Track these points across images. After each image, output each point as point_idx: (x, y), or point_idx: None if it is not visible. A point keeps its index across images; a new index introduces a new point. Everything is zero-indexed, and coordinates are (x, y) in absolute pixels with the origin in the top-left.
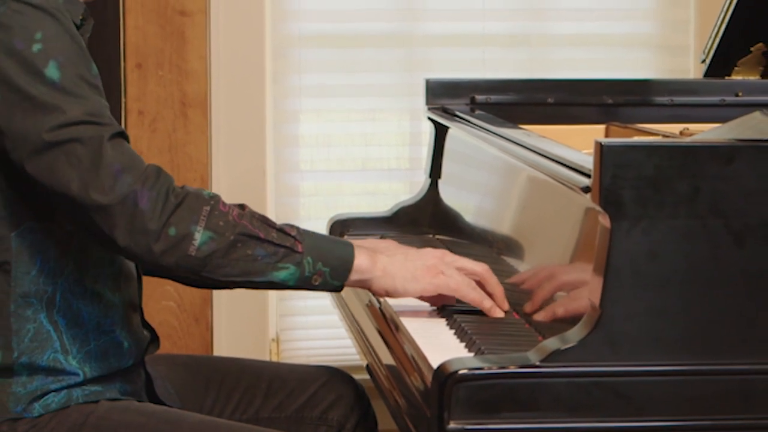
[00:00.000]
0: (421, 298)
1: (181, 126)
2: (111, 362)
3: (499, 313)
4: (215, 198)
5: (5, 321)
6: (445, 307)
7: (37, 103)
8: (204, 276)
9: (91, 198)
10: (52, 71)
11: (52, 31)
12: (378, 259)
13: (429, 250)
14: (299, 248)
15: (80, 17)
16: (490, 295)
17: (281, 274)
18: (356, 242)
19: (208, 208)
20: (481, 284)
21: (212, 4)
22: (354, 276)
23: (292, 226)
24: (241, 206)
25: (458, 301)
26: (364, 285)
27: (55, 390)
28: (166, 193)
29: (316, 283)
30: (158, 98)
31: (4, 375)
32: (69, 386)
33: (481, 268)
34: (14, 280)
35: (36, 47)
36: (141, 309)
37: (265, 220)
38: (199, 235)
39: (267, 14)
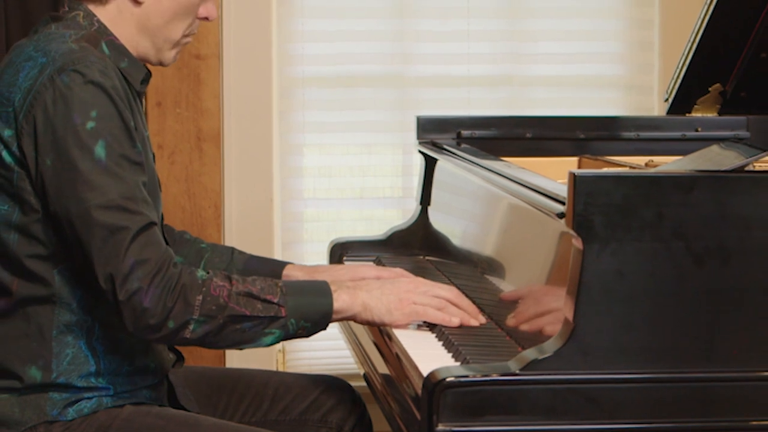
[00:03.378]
0: (398, 327)
1: (196, 158)
2: (137, 381)
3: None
4: (206, 283)
5: (47, 345)
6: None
7: (83, 177)
8: (203, 346)
9: (107, 285)
10: (99, 150)
11: (105, 111)
12: (357, 296)
13: (404, 282)
14: (282, 313)
15: (141, 79)
16: (461, 318)
17: (268, 339)
18: (338, 283)
19: (200, 297)
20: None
21: (225, 48)
22: (335, 317)
23: (275, 288)
24: (230, 281)
25: None
26: (347, 320)
27: (88, 398)
28: (168, 290)
29: (301, 335)
30: (176, 133)
31: (41, 390)
32: (100, 396)
33: (450, 293)
34: (58, 310)
35: (90, 125)
36: None
37: (250, 294)
38: (193, 323)
39: (274, 58)
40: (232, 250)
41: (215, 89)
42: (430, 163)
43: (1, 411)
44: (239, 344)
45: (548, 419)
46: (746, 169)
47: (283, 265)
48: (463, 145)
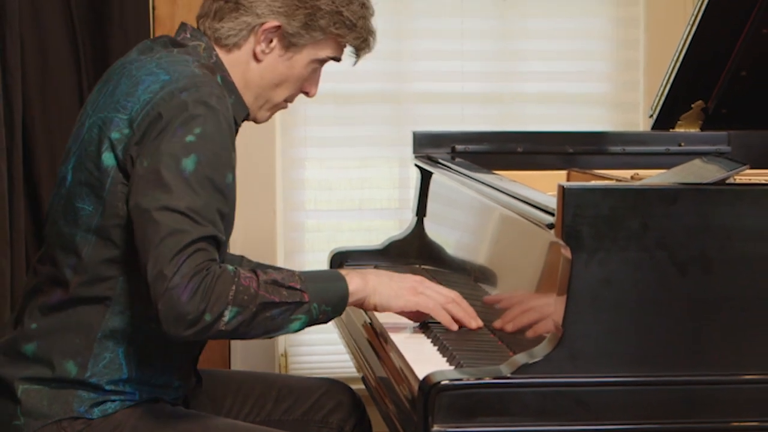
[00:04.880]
0: (402, 313)
1: None
2: (162, 393)
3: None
4: (237, 274)
5: (90, 344)
6: (427, 323)
7: (163, 181)
8: (235, 338)
9: (153, 282)
10: (189, 163)
11: (209, 132)
12: (369, 280)
13: (410, 275)
14: (306, 298)
15: (242, 118)
16: (461, 317)
17: (295, 325)
18: (346, 269)
19: (233, 288)
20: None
21: None
22: (351, 299)
23: (294, 276)
24: (255, 272)
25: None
26: (359, 304)
27: (113, 400)
28: (205, 286)
29: (323, 320)
30: None
31: (73, 386)
32: (124, 399)
33: (453, 294)
34: (109, 314)
35: (189, 138)
36: (198, 359)
37: (276, 282)
38: (228, 313)
39: None
40: (242, 258)
41: None
42: (425, 176)
43: (30, 402)
44: (269, 332)
45: (538, 421)
46: (727, 182)
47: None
48: (457, 159)
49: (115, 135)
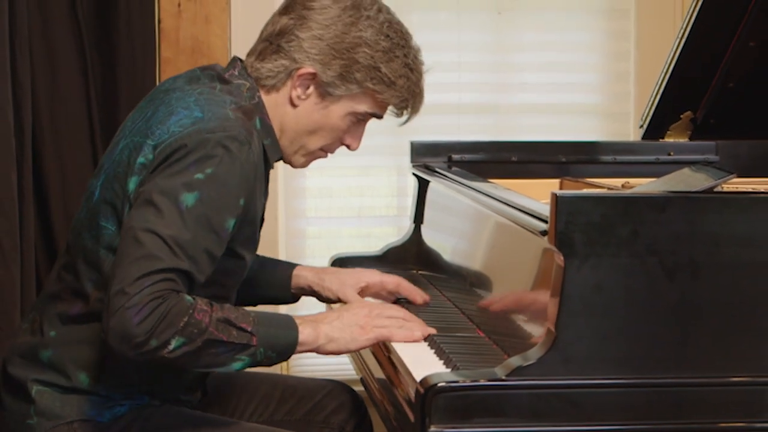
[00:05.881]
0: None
1: None
2: (171, 400)
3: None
4: (193, 306)
5: (103, 358)
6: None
7: (158, 207)
8: (176, 365)
9: (113, 297)
10: (189, 198)
11: (220, 175)
12: (321, 330)
13: (358, 309)
14: (254, 342)
15: (275, 159)
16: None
17: (237, 365)
18: (302, 317)
19: (186, 318)
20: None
21: None
22: (299, 349)
23: (248, 317)
24: (211, 306)
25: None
26: (313, 352)
27: (122, 404)
28: (159, 312)
29: (266, 364)
30: None
31: (84, 394)
32: (134, 402)
33: (400, 312)
34: None
35: (198, 176)
36: (207, 375)
37: (227, 321)
38: (174, 342)
39: None
40: None
41: None
42: (423, 185)
43: (43, 403)
44: (210, 367)
45: (532, 421)
46: (715, 190)
47: (293, 266)
48: (454, 168)
49: (141, 160)
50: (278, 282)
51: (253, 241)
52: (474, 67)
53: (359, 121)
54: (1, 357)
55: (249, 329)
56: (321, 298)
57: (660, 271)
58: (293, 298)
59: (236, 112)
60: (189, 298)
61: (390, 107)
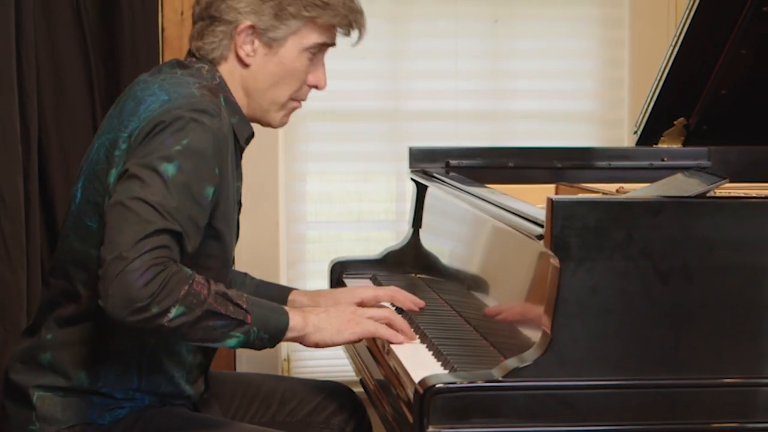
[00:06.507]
0: (347, 344)
1: None
2: (173, 400)
3: (408, 341)
4: (192, 277)
5: (102, 355)
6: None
7: (140, 177)
8: (173, 336)
9: (110, 262)
10: (170, 168)
11: (196, 145)
12: (309, 319)
13: (344, 307)
14: (249, 320)
15: (246, 137)
16: (400, 329)
17: (232, 342)
18: (291, 308)
19: (186, 288)
20: (390, 323)
21: None
22: (289, 335)
23: (242, 297)
24: (208, 281)
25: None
26: (298, 341)
27: (123, 407)
28: (161, 278)
29: (257, 346)
30: None
31: (85, 394)
32: (135, 404)
33: (386, 312)
34: (118, 327)
35: (176, 148)
36: (208, 369)
37: (225, 296)
38: (174, 310)
39: None
40: (245, 274)
41: None
42: (421, 190)
43: (45, 408)
44: (206, 341)
45: (528, 422)
46: (708, 195)
47: (289, 290)
48: (452, 174)
49: (117, 153)
50: (275, 299)
51: (231, 220)
52: (471, 74)
53: (314, 56)
54: (3, 363)
55: (244, 306)
56: None
57: (654, 274)
58: None
59: (201, 90)
60: (187, 269)
61: (338, 31)
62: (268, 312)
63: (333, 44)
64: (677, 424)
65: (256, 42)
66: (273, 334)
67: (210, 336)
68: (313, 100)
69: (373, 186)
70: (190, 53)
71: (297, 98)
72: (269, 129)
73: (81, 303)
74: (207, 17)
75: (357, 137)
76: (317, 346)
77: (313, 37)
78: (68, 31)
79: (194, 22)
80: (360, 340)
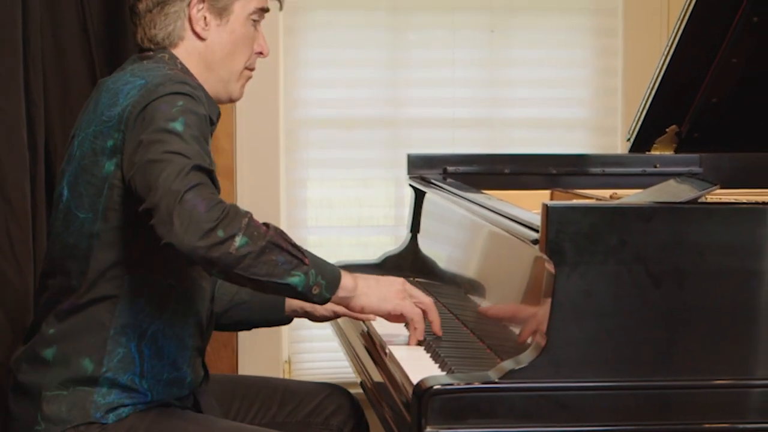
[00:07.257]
0: (385, 316)
1: None
2: (174, 391)
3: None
4: (249, 214)
5: (103, 342)
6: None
7: (153, 138)
8: (236, 272)
9: (164, 200)
10: (178, 125)
11: (189, 106)
12: (359, 281)
13: (393, 278)
14: (306, 261)
15: (216, 115)
16: (431, 321)
17: (294, 279)
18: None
19: (246, 219)
20: (427, 312)
21: None
22: (340, 293)
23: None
24: (267, 224)
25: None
26: (344, 301)
27: (125, 405)
28: (220, 206)
29: (315, 293)
30: None
31: (90, 384)
32: (137, 403)
33: (428, 301)
34: (118, 311)
35: (175, 109)
36: (204, 353)
37: (284, 236)
38: (239, 239)
39: (281, 102)
40: None
41: (229, 129)
42: (419, 196)
43: (50, 408)
44: (270, 276)
45: (524, 423)
46: (699, 201)
47: None
48: (449, 180)
49: (110, 143)
50: (272, 305)
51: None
52: (468, 82)
53: (255, 23)
54: (8, 366)
55: (302, 249)
56: (315, 318)
57: (646, 278)
58: (287, 320)
59: (172, 70)
60: (243, 209)
61: None
62: (323, 260)
63: (267, 9)
64: (670, 424)
65: (208, 16)
66: (329, 281)
67: (274, 271)
68: (314, 107)
69: (372, 192)
70: (143, 49)
71: (249, 67)
72: (271, 135)
73: (79, 294)
74: (157, 4)
75: (356, 144)
76: (362, 311)
77: (255, 2)
78: (74, 42)
79: (141, 18)
80: (400, 316)
